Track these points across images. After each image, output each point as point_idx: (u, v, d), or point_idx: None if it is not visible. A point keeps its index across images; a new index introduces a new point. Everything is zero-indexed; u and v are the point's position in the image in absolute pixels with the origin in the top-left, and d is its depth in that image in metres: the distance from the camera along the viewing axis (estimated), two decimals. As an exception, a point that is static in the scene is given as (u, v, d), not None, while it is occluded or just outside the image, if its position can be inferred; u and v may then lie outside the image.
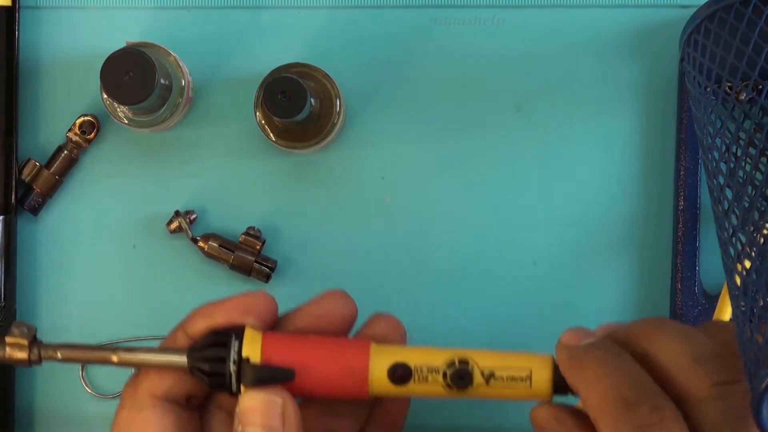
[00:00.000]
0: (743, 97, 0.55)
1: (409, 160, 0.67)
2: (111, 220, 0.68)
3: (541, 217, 0.67)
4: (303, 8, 0.68)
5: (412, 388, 0.56)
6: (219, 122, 0.68)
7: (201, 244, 0.67)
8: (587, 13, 0.67)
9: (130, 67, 0.62)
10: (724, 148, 0.55)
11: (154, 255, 0.68)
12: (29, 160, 0.67)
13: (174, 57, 0.65)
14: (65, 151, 0.67)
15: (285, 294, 0.60)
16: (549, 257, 0.67)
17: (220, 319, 0.57)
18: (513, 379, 0.55)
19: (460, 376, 0.55)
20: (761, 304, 0.49)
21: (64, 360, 0.57)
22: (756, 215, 0.51)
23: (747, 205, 0.52)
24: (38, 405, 0.68)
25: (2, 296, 0.66)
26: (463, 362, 0.55)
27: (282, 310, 0.58)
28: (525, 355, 0.56)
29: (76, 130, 0.67)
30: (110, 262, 0.67)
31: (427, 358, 0.55)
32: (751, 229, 0.51)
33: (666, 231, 0.67)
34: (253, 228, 0.67)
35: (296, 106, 0.62)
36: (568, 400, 0.55)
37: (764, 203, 0.52)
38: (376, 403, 0.60)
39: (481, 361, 0.55)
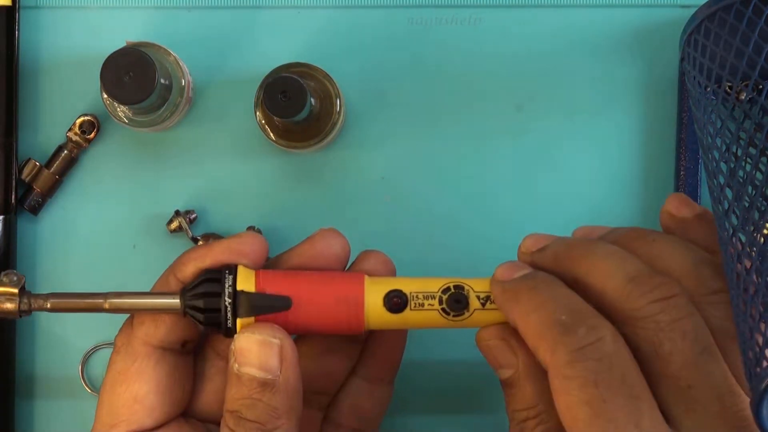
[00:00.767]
0: (743, 97, 0.55)
1: (409, 160, 0.67)
2: (111, 220, 0.68)
3: (541, 216, 0.67)
4: (303, 8, 0.68)
5: (408, 316, 0.55)
6: (219, 122, 0.68)
7: (201, 243, 0.67)
8: (587, 13, 0.67)
9: (130, 67, 0.62)
10: (724, 148, 0.55)
11: (154, 255, 0.68)
12: (29, 160, 0.67)
13: (174, 57, 0.65)
14: (65, 151, 0.67)
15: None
16: (549, 257, 0.67)
17: (210, 261, 0.56)
18: None
19: (456, 299, 0.55)
20: (761, 304, 0.49)
21: (54, 309, 0.56)
22: (756, 215, 0.51)
23: (747, 205, 0.52)
24: (38, 405, 0.68)
25: (2, 296, 0.66)
26: (459, 287, 0.56)
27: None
28: None
29: (76, 130, 0.67)
30: (110, 262, 0.67)
31: (423, 285, 0.56)
32: (751, 229, 0.51)
33: (666, 231, 0.67)
34: (253, 228, 0.67)
35: (296, 106, 0.62)
36: None
37: (764, 203, 0.52)
38: (371, 341, 0.60)
39: (476, 286, 0.56)
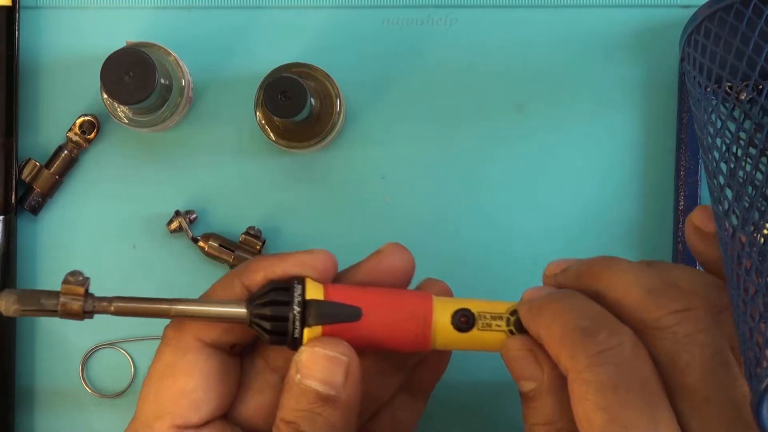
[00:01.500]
0: (743, 97, 0.55)
1: (410, 160, 0.67)
2: (111, 220, 0.68)
3: (541, 216, 0.67)
4: (303, 8, 0.68)
5: (476, 336, 0.55)
6: (219, 122, 0.68)
7: (201, 244, 0.67)
8: (587, 13, 0.67)
9: (130, 67, 0.62)
10: (724, 148, 0.55)
11: (154, 255, 0.68)
12: (29, 160, 0.67)
13: (174, 57, 0.65)
14: (65, 151, 0.67)
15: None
16: (549, 256, 0.67)
17: (281, 272, 0.56)
18: None
19: None
20: (761, 304, 0.49)
21: (117, 313, 0.55)
22: (756, 215, 0.51)
23: (747, 205, 0.52)
24: (38, 405, 0.68)
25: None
26: None
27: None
28: None
29: (76, 130, 0.67)
30: (110, 262, 0.67)
31: (490, 306, 0.55)
32: (751, 229, 0.51)
33: (666, 231, 0.67)
34: (253, 228, 0.67)
35: (296, 106, 0.62)
36: None
37: (764, 203, 0.52)
38: (417, 365, 0.60)
39: None
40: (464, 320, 0.55)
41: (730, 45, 0.55)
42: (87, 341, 0.68)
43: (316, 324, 0.54)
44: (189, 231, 0.67)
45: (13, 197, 0.67)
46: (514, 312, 0.55)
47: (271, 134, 0.65)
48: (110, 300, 0.55)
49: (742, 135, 0.55)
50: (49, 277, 0.68)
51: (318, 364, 0.54)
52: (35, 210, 0.67)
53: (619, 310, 0.52)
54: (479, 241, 0.67)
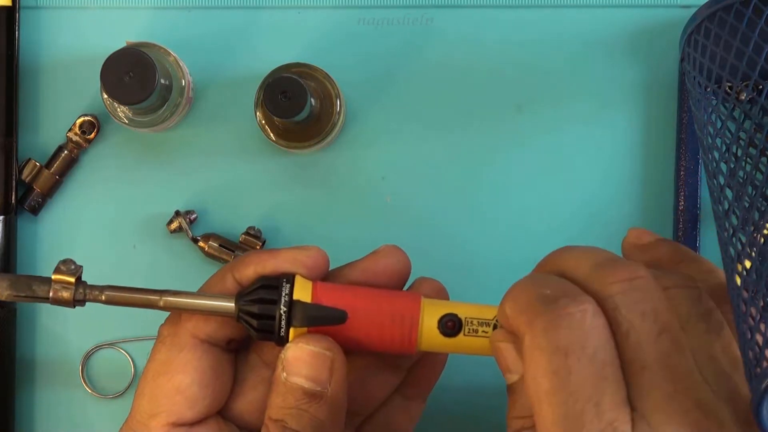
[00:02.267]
0: (743, 97, 0.55)
1: (410, 160, 0.67)
2: (111, 220, 0.68)
3: (541, 216, 0.67)
4: (303, 8, 0.68)
5: (461, 341, 0.55)
6: (219, 122, 0.68)
7: (201, 244, 0.67)
8: (587, 13, 0.67)
9: (130, 67, 0.62)
10: (724, 148, 0.55)
11: (154, 255, 0.68)
12: (29, 160, 0.67)
13: (174, 57, 0.65)
14: (65, 151, 0.67)
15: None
16: (549, 257, 0.67)
17: (272, 268, 0.56)
18: None
19: None
20: (761, 304, 0.49)
21: (108, 302, 0.56)
22: (756, 215, 0.51)
23: (747, 205, 0.52)
24: (38, 405, 0.68)
25: (2, 296, 0.66)
26: None
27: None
28: None
29: (76, 130, 0.67)
30: (110, 262, 0.67)
31: (479, 311, 0.55)
32: (751, 229, 0.51)
33: (666, 231, 0.67)
34: (253, 228, 0.67)
35: (296, 106, 0.62)
36: None
37: (764, 203, 0.52)
38: (413, 366, 0.60)
39: None
40: (451, 325, 0.55)
41: (730, 45, 0.55)
42: (87, 341, 0.68)
43: (302, 326, 0.55)
44: (189, 231, 0.67)
45: (13, 197, 0.67)
46: None
47: (271, 134, 0.65)
48: (101, 289, 0.56)
49: (742, 135, 0.55)
50: (49, 277, 0.68)
51: (303, 361, 0.54)
52: (35, 210, 0.67)
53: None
54: (479, 241, 0.67)
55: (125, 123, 0.66)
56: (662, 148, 0.67)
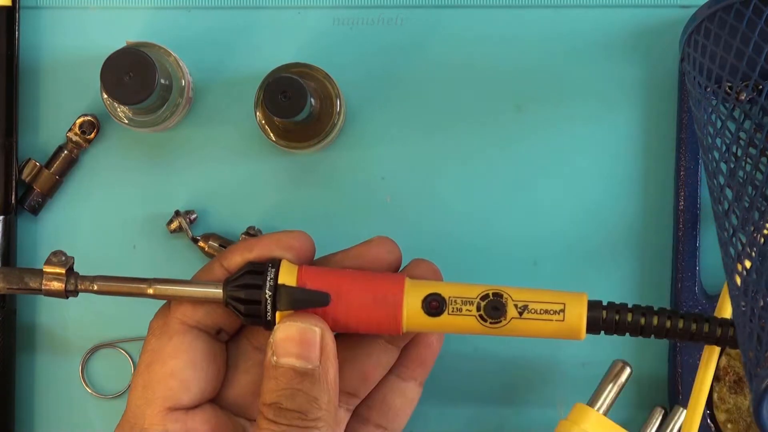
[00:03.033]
0: (743, 97, 0.55)
1: (410, 161, 0.67)
2: (111, 220, 0.68)
3: (541, 217, 0.67)
4: (303, 8, 0.68)
5: (446, 320, 0.56)
6: (219, 122, 0.68)
7: (201, 244, 0.67)
8: (587, 13, 0.67)
9: (130, 67, 0.62)
10: (724, 148, 0.55)
11: (154, 255, 0.68)
12: (29, 160, 0.67)
13: (174, 57, 0.65)
14: (65, 151, 0.67)
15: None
16: (549, 257, 0.67)
17: (258, 252, 0.57)
18: (546, 311, 0.55)
19: (494, 307, 0.55)
20: (761, 304, 0.49)
21: (100, 292, 0.57)
22: (756, 215, 0.51)
23: (747, 205, 0.52)
24: (38, 405, 0.68)
25: (2, 296, 0.66)
26: (498, 295, 0.56)
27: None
28: (559, 293, 0.56)
29: (76, 130, 0.67)
30: (110, 262, 0.67)
31: (462, 290, 0.56)
32: (751, 229, 0.51)
33: (666, 231, 0.67)
34: (253, 228, 0.67)
35: (296, 106, 0.62)
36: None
37: (764, 203, 0.52)
38: (406, 347, 0.60)
39: (515, 294, 0.56)
40: (435, 305, 0.56)
41: (730, 45, 0.55)
42: (87, 341, 0.68)
43: (287, 309, 0.55)
44: (189, 231, 0.67)
45: (13, 197, 0.67)
46: (485, 296, 0.56)
47: (271, 134, 0.65)
48: (92, 279, 0.57)
49: (742, 135, 0.55)
50: (49, 277, 0.68)
51: (292, 340, 0.55)
52: (35, 210, 0.67)
53: None
54: (479, 241, 0.67)
55: (125, 123, 0.66)
56: (662, 148, 0.67)
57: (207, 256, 0.67)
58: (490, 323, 0.56)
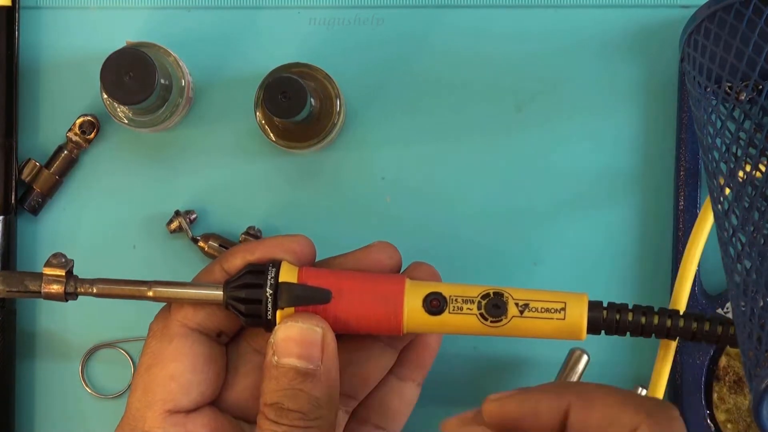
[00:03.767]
0: (743, 98, 0.55)
1: (410, 161, 0.67)
2: (111, 220, 0.68)
3: (541, 217, 0.67)
4: (303, 8, 0.68)
5: (447, 319, 0.56)
6: (219, 122, 0.68)
7: (201, 244, 0.67)
8: (587, 13, 0.67)
9: (130, 67, 0.62)
10: (724, 148, 0.55)
11: (154, 255, 0.68)
12: (29, 160, 0.67)
13: (174, 57, 0.65)
14: (65, 151, 0.67)
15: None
16: (549, 258, 0.67)
17: (259, 255, 0.57)
18: (547, 310, 0.55)
19: (495, 305, 0.56)
20: (761, 304, 0.49)
21: (99, 295, 0.57)
22: (756, 215, 0.51)
23: (747, 205, 0.52)
24: (38, 405, 0.68)
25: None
26: (498, 294, 0.56)
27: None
28: (560, 293, 0.57)
29: (76, 130, 0.67)
30: (110, 262, 0.67)
31: (462, 290, 0.56)
32: (751, 229, 0.51)
33: (666, 231, 0.67)
34: (253, 228, 0.67)
35: (296, 106, 0.62)
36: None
37: (764, 203, 0.52)
38: (404, 348, 0.60)
39: (516, 294, 0.56)
40: (436, 304, 0.56)
41: (730, 45, 0.55)
42: (87, 341, 0.68)
43: (288, 306, 0.55)
44: (189, 231, 0.67)
45: (13, 197, 0.67)
46: (485, 295, 0.56)
47: (271, 134, 0.65)
48: (92, 282, 0.57)
49: (742, 135, 0.55)
50: (49, 277, 0.68)
51: (293, 340, 0.55)
52: (35, 210, 0.67)
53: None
54: (479, 242, 0.67)
55: (125, 123, 0.66)
56: (662, 148, 0.67)
57: (207, 256, 0.67)
58: (491, 322, 0.56)
